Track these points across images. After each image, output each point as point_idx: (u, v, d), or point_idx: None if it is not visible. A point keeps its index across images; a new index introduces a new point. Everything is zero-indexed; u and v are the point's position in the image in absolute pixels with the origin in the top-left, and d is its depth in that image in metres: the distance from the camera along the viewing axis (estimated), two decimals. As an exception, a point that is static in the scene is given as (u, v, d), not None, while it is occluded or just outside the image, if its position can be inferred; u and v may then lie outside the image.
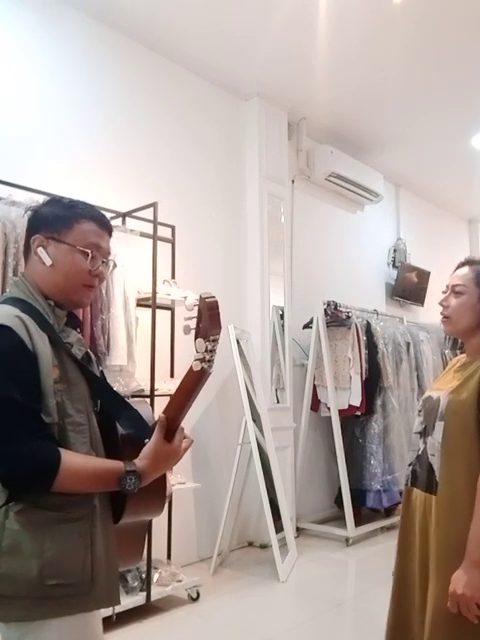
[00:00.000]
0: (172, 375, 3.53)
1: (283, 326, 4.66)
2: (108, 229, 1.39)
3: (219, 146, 4.46)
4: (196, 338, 1.16)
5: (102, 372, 1.49)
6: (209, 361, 1.17)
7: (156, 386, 3.12)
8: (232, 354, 3.83)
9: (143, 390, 3.09)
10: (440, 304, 1.78)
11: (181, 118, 4.17)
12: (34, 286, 1.31)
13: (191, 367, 1.18)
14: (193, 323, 1.18)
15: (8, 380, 1.15)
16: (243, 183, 4.60)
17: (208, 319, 1.15)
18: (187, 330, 1.19)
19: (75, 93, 3.52)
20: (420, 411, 1.81)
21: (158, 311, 3.23)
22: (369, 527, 4.57)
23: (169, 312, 3.63)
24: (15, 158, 3.11)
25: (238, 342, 3.96)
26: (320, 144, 5.22)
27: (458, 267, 1.79)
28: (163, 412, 1.24)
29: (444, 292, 1.79)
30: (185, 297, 3.49)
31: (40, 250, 1.31)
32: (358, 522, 4.44)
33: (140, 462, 1.21)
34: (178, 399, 1.23)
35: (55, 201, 1.38)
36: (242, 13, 3.65)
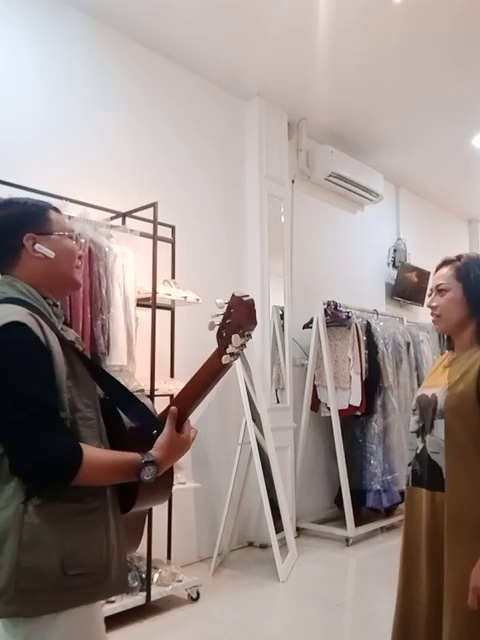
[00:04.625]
0: (172, 375, 3.52)
1: (283, 326, 4.66)
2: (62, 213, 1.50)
3: (219, 146, 4.46)
4: (231, 333, 1.22)
5: None
6: (237, 354, 1.23)
7: (156, 386, 3.11)
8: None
9: (143, 390, 3.09)
10: (429, 306, 1.84)
11: (181, 118, 4.17)
12: (30, 285, 1.32)
13: (219, 360, 1.24)
14: (218, 320, 1.24)
15: (29, 376, 1.17)
16: (243, 183, 4.60)
17: (245, 317, 1.21)
18: (211, 326, 1.24)
19: (74, 94, 3.52)
20: (415, 410, 1.82)
21: (158, 311, 3.23)
22: (369, 527, 4.57)
23: (169, 312, 3.63)
24: (15, 159, 3.10)
25: (238, 342, 3.95)
26: (320, 144, 5.22)
27: (437, 269, 1.86)
28: (173, 404, 1.29)
29: (429, 295, 1.85)
30: (185, 297, 3.49)
31: (39, 246, 1.34)
32: (358, 522, 4.43)
33: (156, 452, 1.25)
34: (193, 390, 1.29)
35: (14, 202, 1.41)
36: (242, 13, 3.65)
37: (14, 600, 1.15)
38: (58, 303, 1.39)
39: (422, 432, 1.76)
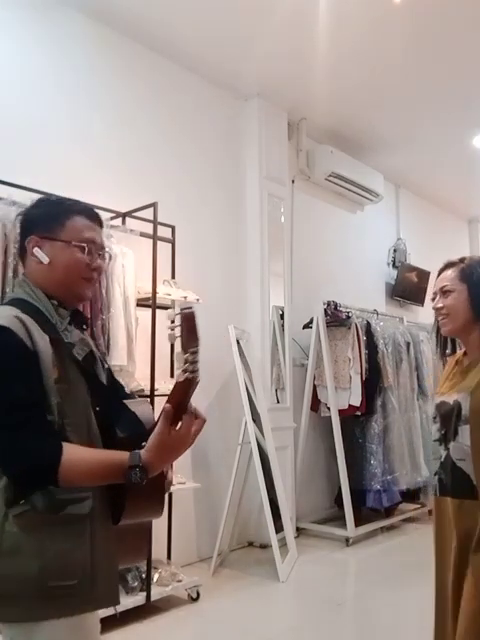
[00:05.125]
0: (172, 375, 3.52)
1: (283, 326, 4.66)
2: (99, 222, 1.41)
3: (219, 146, 4.46)
4: (179, 351, 1.16)
5: (109, 370, 1.49)
6: (193, 371, 1.16)
7: (156, 386, 3.12)
8: (232, 354, 3.83)
9: (143, 390, 3.09)
10: (434, 308, 1.82)
11: (181, 118, 4.17)
12: (36, 286, 1.32)
13: (176, 377, 1.18)
14: (178, 332, 1.18)
15: (11, 380, 1.17)
16: (243, 183, 4.60)
17: (185, 332, 1.15)
18: (172, 338, 1.17)
19: (75, 94, 3.52)
20: (435, 418, 1.79)
21: (158, 311, 3.23)
22: (369, 527, 4.57)
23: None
24: (15, 158, 3.10)
25: (238, 342, 3.95)
26: (320, 144, 5.22)
27: (440, 272, 1.84)
28: (167, 401, 1.22)
29: (433, 299, 1.83)
30: (185, 297, 3.49)
31: (36, 250, 1.32)
32: (358, 522, 4.43)
33: (145, 453, 1.18)
34: (176, 398, 1.22)
35: (43, 201, 1.40)
36: (242, 13, 3.64)
37: None
38: (66, 303, 1.35)
39: (445, 440, 1.73)
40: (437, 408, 1.80)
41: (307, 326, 4.85)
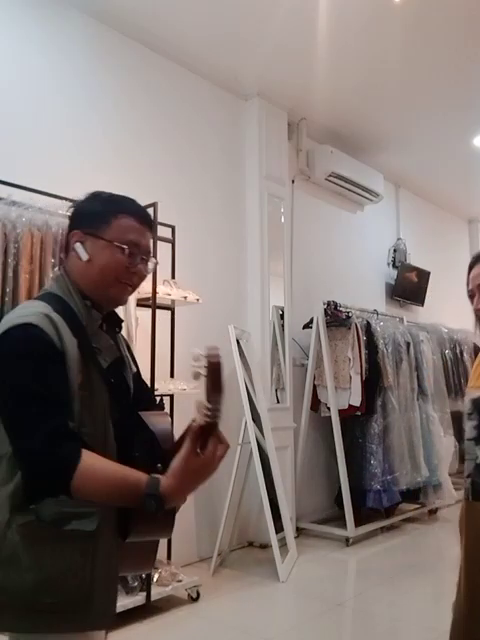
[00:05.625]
0: (172, 375, 3.52)
1: (283, 326, 4.66)
2: (149, 225, 1.35)
3: (219, 146, 4.46)
4: (202, 397, 1.09)
5: (137, 374, 1.44)
6: (213, 417, 1.08)
7: (156, 386, 3.11)
8: (232, 354, 3.83)
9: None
10: (476, 309, 1.65)
11: (181, 118, 4.17)
12: (73, 283, 1.28)
13: (196, 419, 1.09)
14: (204, 371, 1.08)
15: (33, 375, 1.12)
16: (243, 183, 4.60)
17: (210, 384, 1.06)
18: (197, 376, 1.08)
19: (75, 93, 3.52)
20: (471, 414, 1.62)
21: (158, 311, 3.23)
22: (369, 527, 4.57)
23: (169, 312, 3.63)
24: (15, 158, 3.10)
25: (238, 342, 3.95)
26: (320, 144, 5.22)
27: (472, 266, 1.68)
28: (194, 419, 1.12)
29: (471, 296, 1.67)
30: (185, 297, 3.49)
31: (77, 245, 1.28)
32: (358, 522, 4.43)
33: (166, 480, 1.09)
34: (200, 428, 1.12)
35: (95, 196, 1.35)
36: (242, 13, 3.65)
37: None
38: (101, 305, 1.30)
39: None
40: (474, 403, 1.62)
41: (307, 326, 4.85)
